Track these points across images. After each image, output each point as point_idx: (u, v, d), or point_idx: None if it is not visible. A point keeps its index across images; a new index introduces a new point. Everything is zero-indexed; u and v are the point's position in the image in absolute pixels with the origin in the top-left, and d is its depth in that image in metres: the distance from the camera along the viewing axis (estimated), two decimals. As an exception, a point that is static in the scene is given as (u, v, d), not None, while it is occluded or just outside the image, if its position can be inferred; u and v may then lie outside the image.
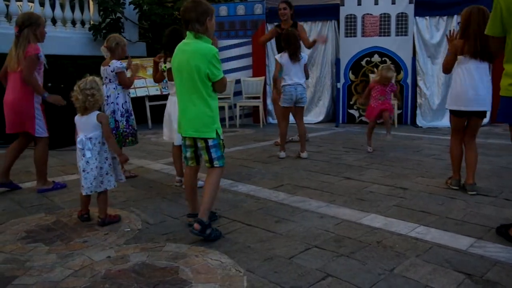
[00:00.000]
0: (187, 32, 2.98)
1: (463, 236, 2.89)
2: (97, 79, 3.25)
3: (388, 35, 8.33)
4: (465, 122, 3.95)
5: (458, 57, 3.82)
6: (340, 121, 8.79)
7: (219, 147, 2.98)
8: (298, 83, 5.43)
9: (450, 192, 3.88)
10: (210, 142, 2.94)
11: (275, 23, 6.88)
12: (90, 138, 3.18)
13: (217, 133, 2.95)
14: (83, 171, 3.18)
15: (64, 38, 8.60)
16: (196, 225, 2.84)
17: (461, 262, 2.50)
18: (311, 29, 9.02)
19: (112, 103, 4.54)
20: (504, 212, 3.35)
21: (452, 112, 3.97)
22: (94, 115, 3.21)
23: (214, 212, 3.33)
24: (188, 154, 3.10)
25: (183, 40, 3.03)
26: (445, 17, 8.26)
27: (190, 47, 2.92)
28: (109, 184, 3.28)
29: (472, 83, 3.76)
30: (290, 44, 5.38)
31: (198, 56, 2.87)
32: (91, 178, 3.18)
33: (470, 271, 2.39)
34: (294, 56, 5.38)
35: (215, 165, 2.99)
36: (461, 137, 4.01)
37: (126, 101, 4.64)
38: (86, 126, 3.21)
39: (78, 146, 3.19)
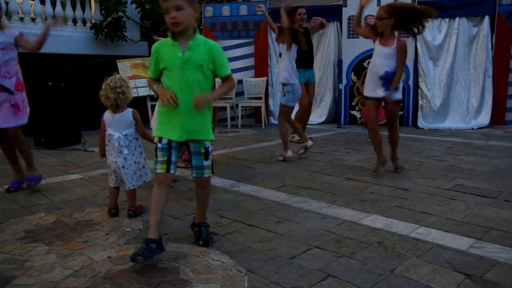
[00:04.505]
0: None
1: (463, 236, 2.89)
2: (124, 76, 3.34)
3: (390, 36, 8.32)
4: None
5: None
6: (342, 122, 8.80)
7: None
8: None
9: (451, 193, 3.88)
10: None
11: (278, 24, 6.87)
12: (125, 135, 3.31)
13: None
14: (123, 167, 3.32)
15: (65, 37, 8.61)
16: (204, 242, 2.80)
17: (461, 263, 2.50)
18: (313, 29, 9.03)
19: None
20: (504, 213, 3.34)
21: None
22: (129, 112, 3.34)
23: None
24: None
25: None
26: (447, 19, 8.27)
27: None
28: (147, 176, 3.49)
29: None
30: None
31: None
32: (131, 173, 3.35)
33: (470, 271, 2.39)
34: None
35: None
36: None
37: None
38: (121, 124, 3.32)
39: (115, 143, 3.28)
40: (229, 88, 2.84)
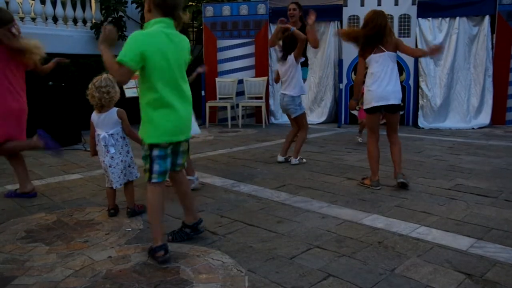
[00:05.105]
0: (169, 19, 2.56)
1: (464, 236, 2.88)
2: (111, 76, 3.29)
3: (391, 36, 8.32)
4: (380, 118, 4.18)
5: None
6: (342, 122, 8.80)
7: None
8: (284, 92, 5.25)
9: (451, 193, 3.88)
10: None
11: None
12: (112, 134, 3.31)
13: None
14: (110, 166, 3.32)
15: (66, 37, 8.61)
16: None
17: (462, 262, 2.50)
18: (313, 29, 9.04)
19: None
20: (504, 212, 3.34)
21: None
22: (113, 112, 3.33)
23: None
24: (180, 161, 2.84)
25: (167, 27, 2.56)
26: (447, 19, 8.27)
27: (178, 39, 2.62)
28: (131, 175, 3.45)
29: None
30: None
31: (186, 51, 2.70)
32: (118, 172, 3.35)
33: (470, 271, 2.39)
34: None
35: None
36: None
37: None
38: (107, 123, 3.32)
39: (102, 143, 3.29)
40: (109, 62, 2.43)
